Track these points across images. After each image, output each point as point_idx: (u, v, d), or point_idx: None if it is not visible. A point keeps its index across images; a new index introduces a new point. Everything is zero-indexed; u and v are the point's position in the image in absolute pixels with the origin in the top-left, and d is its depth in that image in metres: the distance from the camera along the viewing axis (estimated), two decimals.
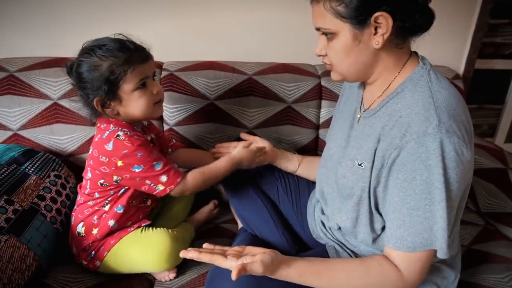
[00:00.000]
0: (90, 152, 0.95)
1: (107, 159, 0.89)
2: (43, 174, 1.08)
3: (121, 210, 0.96)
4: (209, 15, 1.43)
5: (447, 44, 1.63)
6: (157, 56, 1.32)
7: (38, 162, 1.11)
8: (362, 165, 0.77)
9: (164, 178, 0.91)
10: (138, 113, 0.91)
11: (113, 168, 0.89)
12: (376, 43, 0.70)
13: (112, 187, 0.94)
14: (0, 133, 1.21)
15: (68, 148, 1.24)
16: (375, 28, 0.68)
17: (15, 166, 1.05)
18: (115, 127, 0.91)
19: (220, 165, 0.99)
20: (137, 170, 0.89)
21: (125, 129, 0.91)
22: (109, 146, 0.88)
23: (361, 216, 0.80)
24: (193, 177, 0.95)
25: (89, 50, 0.86)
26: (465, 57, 1.67)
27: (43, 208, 1.00)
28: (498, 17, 1.78)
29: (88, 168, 0.95)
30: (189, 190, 0.95)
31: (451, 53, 1.65)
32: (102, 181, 0.93)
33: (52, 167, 1.14)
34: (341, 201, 0.85)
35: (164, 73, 1.28)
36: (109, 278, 0.98)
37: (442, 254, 0.69)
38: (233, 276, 0.66)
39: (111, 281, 0.97)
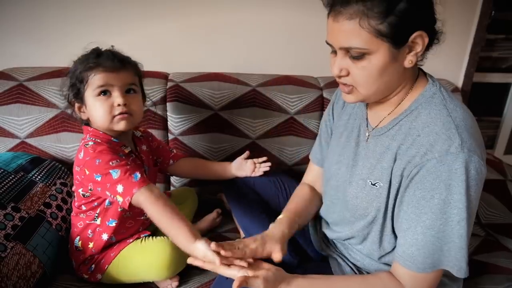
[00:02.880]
0: None
1: (79, 168, 0.90)
2: (49, 182, 1.10)
3: (113, 224, 0.96)
4: (215, 28, 1.46)
5: (446, 58, 1.66)
6: (163, 67, 1.37)
7: (45, 170, 1.13)
8: (376, 185, 0.76)
9: (120, 188, 0.83)
10: (96, 121, 0.91)
11: (82, 177, 0.89)
12: (410, 62, 0.68)
13: (93, 198, 0.93)
14: (8, 141, 1.22)
15: (73, 156, 1.24)
16: (409, 47, 0.67)
17: (22, 173, 1.06)
18: (90, 138, 0.92)
19: (179, 231, 0.80)
20: (98, 179, 0.85)
21: (98, 140, 0.91)
22: (80, 155, 0.90)
23: (370, 235, 0.80)
24: (156, 207, 0.81)
25: (81, 55, 0.92)
26: (463, 70, 1.70)
27: (49, 216, 1.01)
28: (495, 32, 1.82)
29: (74, 179, 0.96)
30: (146, 210, 0.83)
31: (450, 66, 1.69)
32: (80, 190, 0.93)
33: (58, 175, 1.15)
34: (352, 220, 0.84)
35: (169, 84, 1.30)
36: (113, 287, 0.98)
37: (461, 274, 0.68)
38: (234, 286, 0.67)
39: None
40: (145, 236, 1.00)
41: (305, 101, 1.36)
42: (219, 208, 1.30)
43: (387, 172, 0.73)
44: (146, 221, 1.04)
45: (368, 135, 0.81)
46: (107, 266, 0.96)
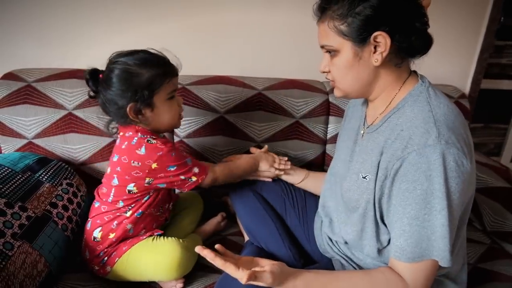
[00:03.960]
0: (115, 159, 0.97)
1: (139, 163, 0.93)
2: (56, 182, 1.11)
3: (140, 215, 0.99)
4: (220, 30, 1.47)
5: (454, 64, 1.66)
6: None
7: (52, 170, 1.14)
8: (366, 177, 0.80)
9: (196, 169, 0.98)
10: (166, 121, 0.97)
11: (147, 171, 0.93)
12: (376, 60, 0.74)
13: (139, 194, 0.97)
14: (16, 141, 1.24)
15: (80, 157, 1.27)
16: (375, 47, 0.73)
17: (29, 173, 1.07)
18: (142, 135, 0.95)
19: (242, 161, 1.09)
20: (172, 169, 0.94)
21: (153, 136, 0.96)
22: (142, 151, 0.93)
23: (367, 228, 0.82)
24: (220, 168, 1.04)
25: (126, 59, 0.90)
26: (471, 77, 1.70)
27: (55, 216, 1.02)
28: (504, 39, 1.81)
29: (115, 175, 0.97)
30: (220, 179, 1.03)
31: (458, 73, 1.68)
32: (131, 186, 0.96)
33: (65, 176, 1.16)
34: (347, 214, 0.87)
35: None
36: (117, 286, 0.99)
37: (444, 263, 0.70)
38: (244, 281, 0.68)
39: None
40: (157, 235, 1.02)
41: (311, 106, 1.36)
42: (223, 211, 1.30)
43: (375, 165, 0.77)
44: (160, 218, 1.06)
45: (363, 132, 0.87)
46: (117, 259, 0.97)
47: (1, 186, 0.97)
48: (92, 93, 0.95)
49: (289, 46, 1.52)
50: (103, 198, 1.01)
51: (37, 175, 1.09)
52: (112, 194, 0.98)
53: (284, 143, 1.36)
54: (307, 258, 1.05)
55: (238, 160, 1.10)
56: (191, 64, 1.46)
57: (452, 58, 1.64)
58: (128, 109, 0.91)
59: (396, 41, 0.72)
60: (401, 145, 0.72)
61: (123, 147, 0.96)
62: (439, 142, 0.67)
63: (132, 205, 0.99)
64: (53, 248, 0.97)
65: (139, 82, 0.89)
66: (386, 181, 0.75)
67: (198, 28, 1.45)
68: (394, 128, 0.76)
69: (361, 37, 0.72)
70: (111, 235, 0.99)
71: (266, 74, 1.46)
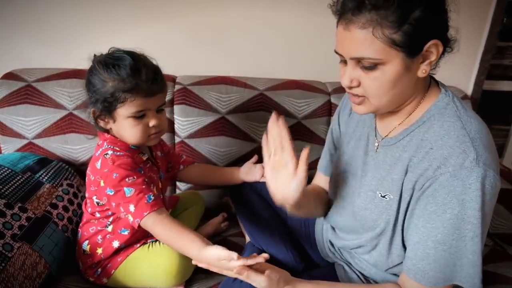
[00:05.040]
0: None
1: (93, 178, 0.88)
2: (56, 183, 1.10)
3: (127, 233, 0.96)
4: (222, 31, 1.46)
5: (456, 65, 1.62)
6: (170, 70, 1.37)
7: (52, 171, 1.13)
8: (386, 197, 0.74)
9: (132, 208, 0.82)
10: (127, 138, 0.90)
11: (96, 188, 0.88)
12: (423, 71, 0.66)
13: (107, 207, 0.92)
14: (16, 141, 1.23)
15: (80, 157, 1.26)
16: (423, 56, 0.65)
17: (29, 174, 1.07)
18: (108, 145, 0.90)
19: (189, 239, 0.79)
20: (110, 193, 0.84)
21: (117, 148, 0.89)
22: (98, 164, 0.88)
23: (379, 247, 0.80)
24: (163, 224, 0.82)
25: (107, 62, 0.84)
26: (473, 78, 1.69)
27: (55, 217, 1.02)
28: (506, 39, 1.81)
29: (87, 185, 0.95)
30: (155, 232, 0.83)
31: (460, 74, 1.67)
32: (95, 198, 0.93)
33: (65, 176, 1.16)
34: (360, 231, 0.83)
35: (177, 87, 1.30)
36: None
37: None
38: (235, 271, 0.68)
39: None
40: (152, 242, 0.99)
41: (313, 106, 1.36)
42: (225, 211, 1.30)
43: (397, 184, 0.72)
44: None
45: (377, 145, 0.79)
46: (113, 271, 0.96)
47: (1, 186, 0.96)
48: None
49: (291, 46, 1.51)
50: (86, 208, 0.99)
51: (37, 176, 1.08)
52: (89, 204, 0.97)
53: None
54: (308, 261, 1.04)
55: (183, 233, 0.81)
56: (192, 64, 1.46)
57: (454, 59, 1.61)
58: (91, 112, 0.88)
59: (447, 47, 0.66)
60: (432, 165, 0.66)
61: (93, 157, 0.93)
62: (477, 165, 0.62)
63: (110, 219, 0.95)
64: (53, 249, 0.96)
65: (102, 90, 0.84)
66: (411, 201, 0.70)
67: (199, 28, 1.44)
68: (420, 145, 0.69)
69: (417, 48, 0.63)
70: (99, 250, 0.96)
71: (267, 75, 1.45)
